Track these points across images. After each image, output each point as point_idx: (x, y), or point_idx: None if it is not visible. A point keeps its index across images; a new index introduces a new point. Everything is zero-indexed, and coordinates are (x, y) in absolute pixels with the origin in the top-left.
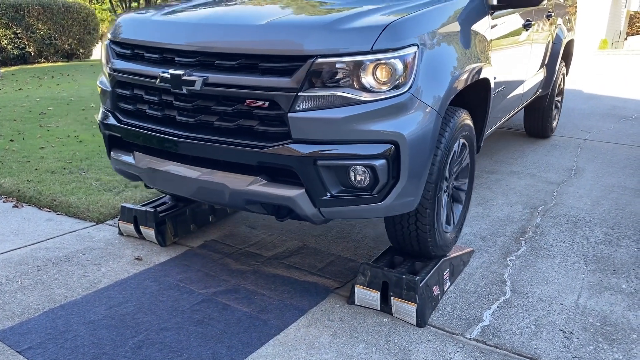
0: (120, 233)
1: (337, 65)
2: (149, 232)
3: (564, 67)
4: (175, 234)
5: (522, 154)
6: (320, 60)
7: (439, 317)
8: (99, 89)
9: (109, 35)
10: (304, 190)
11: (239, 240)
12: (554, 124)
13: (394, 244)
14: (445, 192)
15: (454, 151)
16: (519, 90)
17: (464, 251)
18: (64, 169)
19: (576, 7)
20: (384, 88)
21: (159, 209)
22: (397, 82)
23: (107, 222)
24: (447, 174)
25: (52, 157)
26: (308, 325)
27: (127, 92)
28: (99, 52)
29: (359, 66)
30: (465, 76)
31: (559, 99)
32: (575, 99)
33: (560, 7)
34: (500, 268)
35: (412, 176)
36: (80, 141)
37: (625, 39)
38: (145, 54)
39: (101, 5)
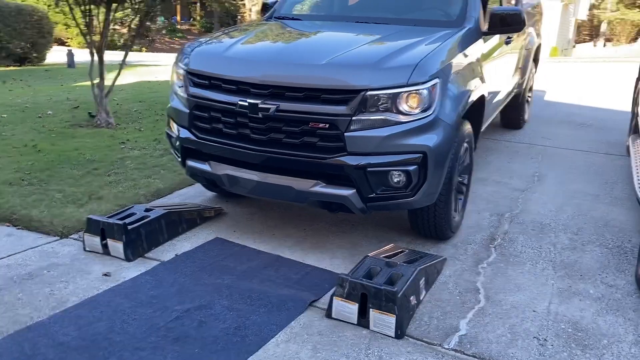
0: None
1: (381, 96)
2: (117, 245)
3: (534, 68)
4: (145, 247)
5: (485, 161)
6: (369, 92)
7: (417, 328)
8: (172, 110)
9: (181, 65)
10: (355, 190)
11: (211, 253)
12: (526, 117)
13: (415, 230)
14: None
15: (460, 154)
16: (502, 94)
17: (438, 260)
18: (23, 180)
19: (542, 14)
20: (416, 111)
21: (127, 220)
22: (425, 107)
23: (71, 236)
24: (457, 172)
25: (9, 167)
26: (287, 340)
27: (205, 114)
28: (54, 56)
29: (397, 96)
30: (470, 97)
31: (530, 94)
32: (534, 105)
33: (530, 15)
34: (473, 276)
35: (435, 177)
36: (38, 150)
37: (574, 46)
38: (223, 85)
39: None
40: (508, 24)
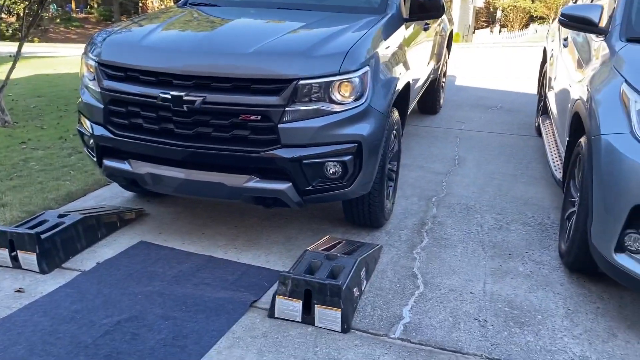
0: None
1: (314, 85)
2: (30, 257)
3: (447, 54)
4: (62, 256)
5: (408, 147)
6: (301, 82)
7: (362, 320)
8: (83, 105)
9: (92, 56)
10: (291, 184)
11: (137, 258)
12: (441, 102)
13: (349, 220)
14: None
15: (391, 141)
16: (422, 80)
17: (375, 248)
18: None
19: (452, 1)
20: (348, 101)
21: (39, 229)
22: (357, 95)
23: None
24: (388, 159)
25: None
26: (230, 346)
27: (122, 109)
28: None
29: (330, 85)
30: (398, 84)
31: (444, 80)
32: (447, 90)
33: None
34: (409, 262)
35: (370, 166)
36: None
37: (474, 32)
38: (141, 77)
39: None
40: (427, 9)
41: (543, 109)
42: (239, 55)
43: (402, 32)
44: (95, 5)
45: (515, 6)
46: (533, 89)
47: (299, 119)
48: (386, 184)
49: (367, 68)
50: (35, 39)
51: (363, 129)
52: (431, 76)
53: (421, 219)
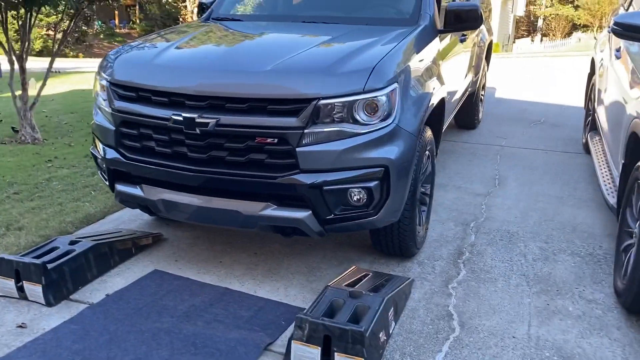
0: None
1: (336, 105)
2: (35, 288)
3: (486, 65)
4: (70, 287)
5: (444, 165)
6: (322, 102)
7: None
8: (96, 126)
9: (104, 75)
10: (311, 212)
11: (149, 289)
12: (480, 116)
13: (377, 249)
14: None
15: (423, 163)
16: (459, 94)
17: (405, 282)
18: None
19: (491, 10)
20: (374, 121)
21: (46, 258)
22: (384, 115)
23: None
24: (420, 183)
25: None
26: None
27: (134, 131)
28: None
29: (353, 104)
30: (431, 101)
31: (483, 92)
32: (486, 103)
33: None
34: (444, 298)
35: (399, 192)
36: None
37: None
38: (153, 97)
39: None
40: (464, 20)
41: (591, 125)
42: (255, 73)
43: (436, 45)
44: (138, 21)
45: (557, 14)
46: (579, 102)
47: (319, 142)
48: (418, 210)
49: (395, 85)
50: (80, 54)
51: (391, 152)
52: (469, 89)
53: (458, 248)
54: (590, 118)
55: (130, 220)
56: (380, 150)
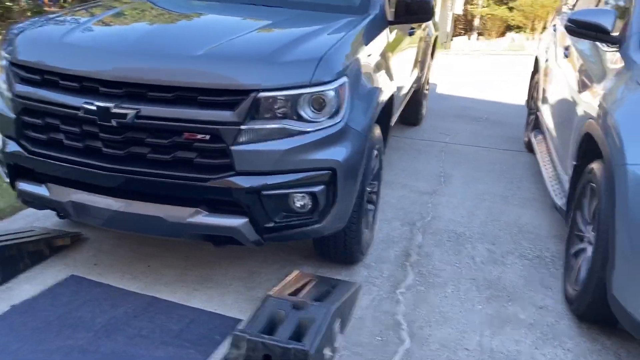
0: None
1: (278, 98)
2: None
3: (431, 61)
4: None
5: (389, 161)
6: (262, 94)
7: None
8: None
9: (4, 54)
10: (247, 219)
11: (63, 298)
12: (424, 112)
13: (321, 256)
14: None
15: (372, 162)
16: (405, 90)
17: (353, 289)
18: None
19: (436, 4)
20: (321, 118)
21: None
22: (332, 112)
23: None
24: (367, 184)
25: None
26: None
27: (38, 121)
28: None
29: (298, 99)
30: (381, 97)
31: (427, 88)
32: (430, 98)
33: None
34: (393, 305)
35: (347, 196)
36: None
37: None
38: (61, 82)
39: None
40: (415, 12)
41: (534, 124)
42: (184, 58)
43: (386, 37)
44: None
45: (492, 14)
46: (519, 100)
47: (258, 141)
48: (365, 211)
49: (344, 79)
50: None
51: (339, 153)
52: (414, 85)
53: (405, 249)
54: (532, 117)
55: (45, 217)
56: (328, 151)
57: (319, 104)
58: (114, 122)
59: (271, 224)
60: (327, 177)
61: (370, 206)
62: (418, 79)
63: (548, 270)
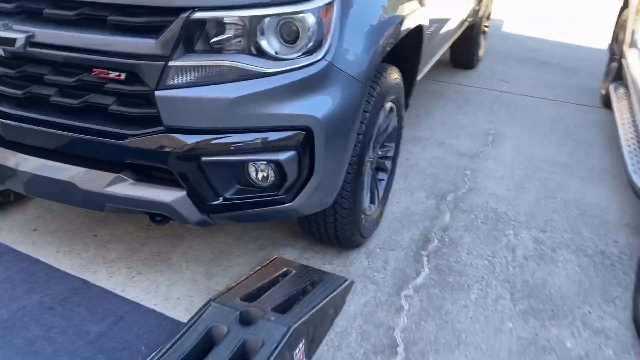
0: None
1: (226, 22)
2: None
3: None
4: None
5: (428, 111)
6: (199, 14)
7: None
8: None
9: None
10: (184, 193)
11: None
12: (481, 53)
13: (307, 234)
14: (369, 168)
15: (380, 121)
16: (453, 24)
17: (340, 287)
18: None
19: None
20: (293, 54)
21: None
22: (310, 45)
23: None
24: (371, 149)
25: None
26: None
27: None
28: None
29: (259, 24)
30: (396, 30)
31: (487, 24)
32: (492, 37)
33: None
34: (391, 315)
35: (330, 166)
36: None
37: None
38: None
39: None
40: None
41: (616, 73)
42: None
43: None
44: None
45: None
46: (601, 43)
47: (195, 84)
48: (369, 183)
49: None
50: None
51: (317, 106)
52: (469, 19)
53: (425, 232)
54: (615, 64)
55: None
56: (301, 102)
57: (290, 32)
58: (0, 51)
59: (219, 201)
60: (299, 139)
61: (381, 175)
62: (475, 12)
63: (613, 273)
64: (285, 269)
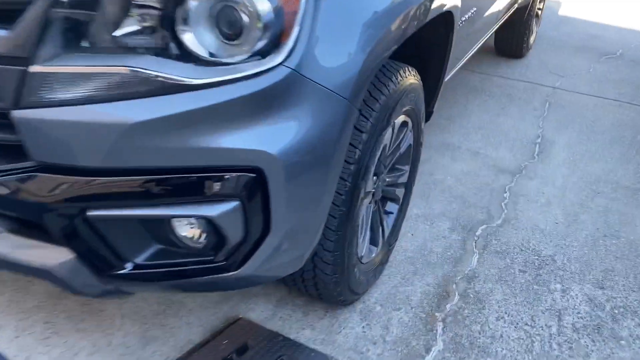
0: None
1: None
2: None
3: None
4: None
5: (464, 110)
6: None
7: None
8: None
9: None
10: (74, 256)
11: None
12: (532, 40)
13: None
14: (369, 203)
15: (385, 143)
16: (497, 7)
17: None
18: None
19: None
20: (235, 57)
21: None
22: (262, 42)
23: None
24: (370, 179)
25: None
26: None
27: None
28: None
29: (176, 5)
30: (412, 17)
31: (541, 7)
32: (545, 21)
33: None
34: None
35: (299, 217)
36: None
37: None
38: None
39: None
40: None
41: None
42: None
43: None
44: None
45: None
46: None
47: (74, 100)
48: (368, 223)
49: None
50: None
51: (273, 137)
52: (519, 1)
53: (444, 281)
54: None
55: None
56: (247, 131)
57: (230, 22)
58: None
59: (127, 269)
60: (244, 185)
61: (390, 206)
62: None
63: None
64: (245, 340)
